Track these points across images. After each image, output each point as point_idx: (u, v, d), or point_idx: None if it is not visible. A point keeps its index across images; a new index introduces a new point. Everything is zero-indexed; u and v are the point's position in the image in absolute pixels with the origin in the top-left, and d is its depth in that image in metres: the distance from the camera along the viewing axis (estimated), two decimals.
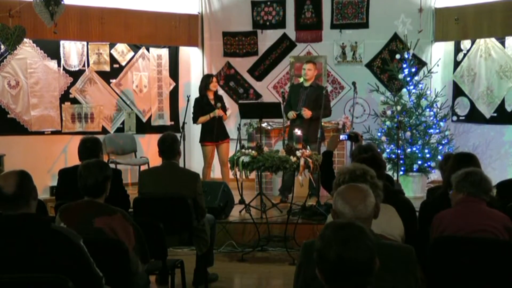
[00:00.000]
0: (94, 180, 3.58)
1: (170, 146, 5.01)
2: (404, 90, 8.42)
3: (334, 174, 4.84)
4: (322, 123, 7.54)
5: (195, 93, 9.41)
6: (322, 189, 6.16)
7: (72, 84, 8.63)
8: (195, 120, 8.07)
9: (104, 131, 8.86)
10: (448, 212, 3.60)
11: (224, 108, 7.99)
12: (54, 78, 8.47)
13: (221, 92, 8.85)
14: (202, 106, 7.91)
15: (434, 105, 8.41)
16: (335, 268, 1.99)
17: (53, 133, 8.47)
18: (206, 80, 7.99)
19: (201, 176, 8.05)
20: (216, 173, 8.69)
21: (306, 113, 7.46)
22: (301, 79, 7.91)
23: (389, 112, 8.41)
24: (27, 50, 8.19)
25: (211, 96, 7.91)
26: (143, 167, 8.39)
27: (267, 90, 9.53)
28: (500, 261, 3.33)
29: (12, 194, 2.86)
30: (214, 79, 7.97)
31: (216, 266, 5.64)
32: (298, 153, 6.24)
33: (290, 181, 7.57)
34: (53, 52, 8.42)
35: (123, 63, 9.06)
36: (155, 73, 9.37)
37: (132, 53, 9.12)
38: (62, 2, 6.92)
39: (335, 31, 9.30)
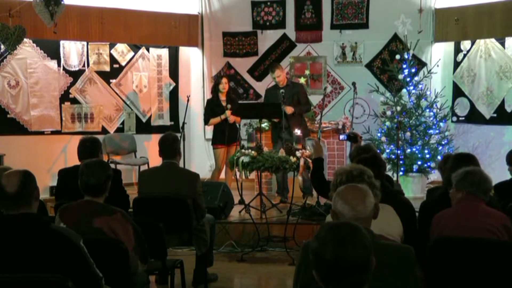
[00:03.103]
0: (96, 179, 3.58)
1: (170, 146, 5.01)
2: (404, 90, 8.43)
3: (326, 179, 4.86)
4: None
5: (195, 93, 9.46)
6: None
7: (72, 84, 8.63)
8: (206, 122, 8.01)
9: (104, 131, 8.86)
10: (448, 211, 3.60)
11: (233, 111, 7.73)
12: (54, 78, 8.47)
13: None
14: (212, 107, 7.85)
15: (434, 105, 8.41)
16: (332, 268, 2.00)
17: (53, 133, 8.47)
18: (216, 81, 7.94)
19: (208, 178, 8.07)
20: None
21: (288, 109, 7.40)
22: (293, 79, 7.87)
23: (389, 113, 8.42)
24: (27, 50, 8.19)
25: (222, 97, 7.81)
26: (143, 167, 8.39)
27: None
28: (500, 261, 3.33)
29: (14, 193, 2.87)
30: (224, 80, 7.79)
31: (215, 266, 5.64)
32: (298, 153, 6.25)
33: (285, 180, 7.61)
34: (53, 52, 8.42)
35: (123, 63, 9.06)
36: (155, 73, 9.37)
37: (132, 53, 9.13)
38: (62, 2, 6.92)
39: (335, 31, 9.31)
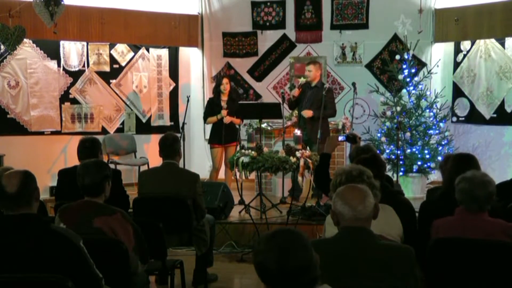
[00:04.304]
0: (91, 179, 3.57)
1: (170, 146, 5.01)
2: (404, 90, 8.43)
3: (330, 176, 4.82)
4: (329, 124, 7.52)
5: (195, 94, 9.47)
6: None
7: (72, 84, 8.63)
8: (204, 120, 8.06)
9: (104, 131, 8.87)
10: (448, 220, 3.53)
11: (232, 112, 7.72)
12: (54, 78, 8.47)
13: None
14: (213, 106, 7.87)
15: (434, 105, 8.41)
16: (279, 276, 2.02)
17: (53, 133, 8.47)
18: (217, 82, 7.95)
19: (208, 178, 8.08)
20: (219, 173, 8.62)
21: (307, 112, 7.38)
22: (303, 80, 7.74)
23: (389, 113, 8.41)
24: (27, 50, 8.19)
25: (224, 97, 7.82)
26: (143, 168, 8.40)
27: (267, 90, 9.54)
28: (500, 262, 3.32)
29: (14, 193, 2.87)
30: (225, 81, 7.79)
31: (215, 267, 5.65)
32: (298, 154, 6.25)
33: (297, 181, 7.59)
34: (53, 52, 8.42)
35: (123, 64, 9.06)
36: (155, 73, 9.37)
37: (132, 54, 9.13)
38: (62, 2, 6.92)
39: (335, 31, 9.31)
